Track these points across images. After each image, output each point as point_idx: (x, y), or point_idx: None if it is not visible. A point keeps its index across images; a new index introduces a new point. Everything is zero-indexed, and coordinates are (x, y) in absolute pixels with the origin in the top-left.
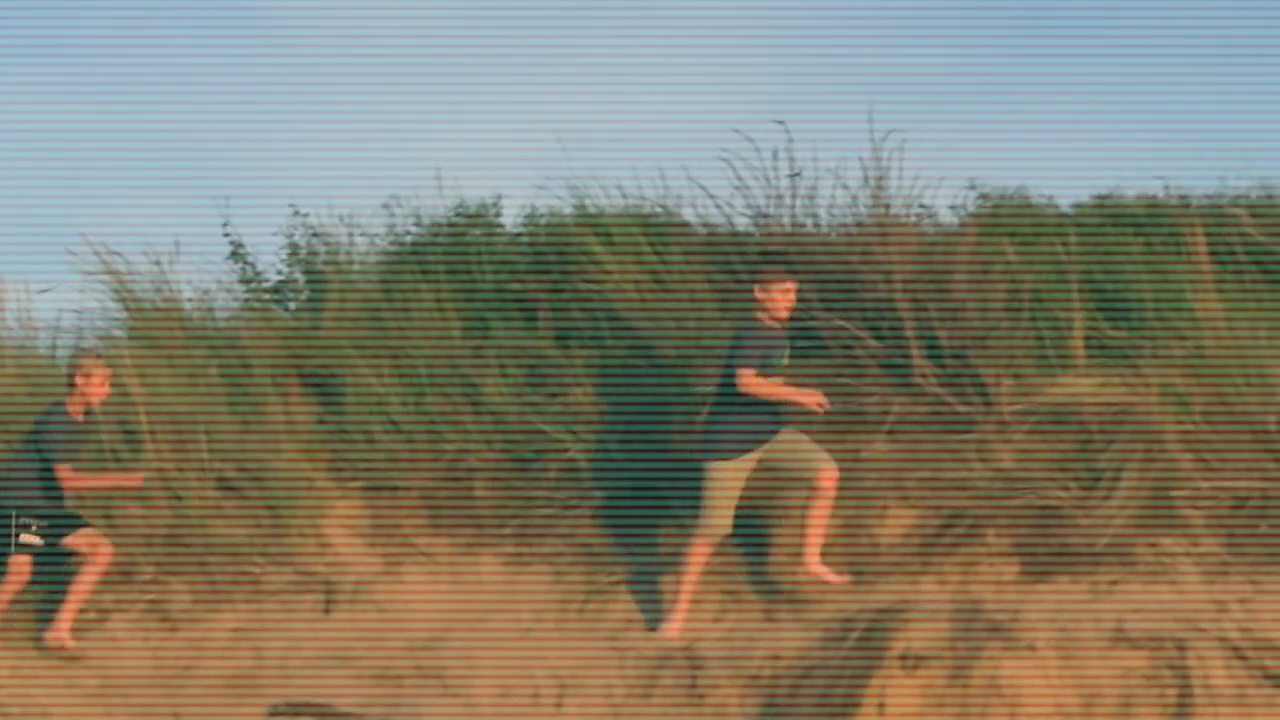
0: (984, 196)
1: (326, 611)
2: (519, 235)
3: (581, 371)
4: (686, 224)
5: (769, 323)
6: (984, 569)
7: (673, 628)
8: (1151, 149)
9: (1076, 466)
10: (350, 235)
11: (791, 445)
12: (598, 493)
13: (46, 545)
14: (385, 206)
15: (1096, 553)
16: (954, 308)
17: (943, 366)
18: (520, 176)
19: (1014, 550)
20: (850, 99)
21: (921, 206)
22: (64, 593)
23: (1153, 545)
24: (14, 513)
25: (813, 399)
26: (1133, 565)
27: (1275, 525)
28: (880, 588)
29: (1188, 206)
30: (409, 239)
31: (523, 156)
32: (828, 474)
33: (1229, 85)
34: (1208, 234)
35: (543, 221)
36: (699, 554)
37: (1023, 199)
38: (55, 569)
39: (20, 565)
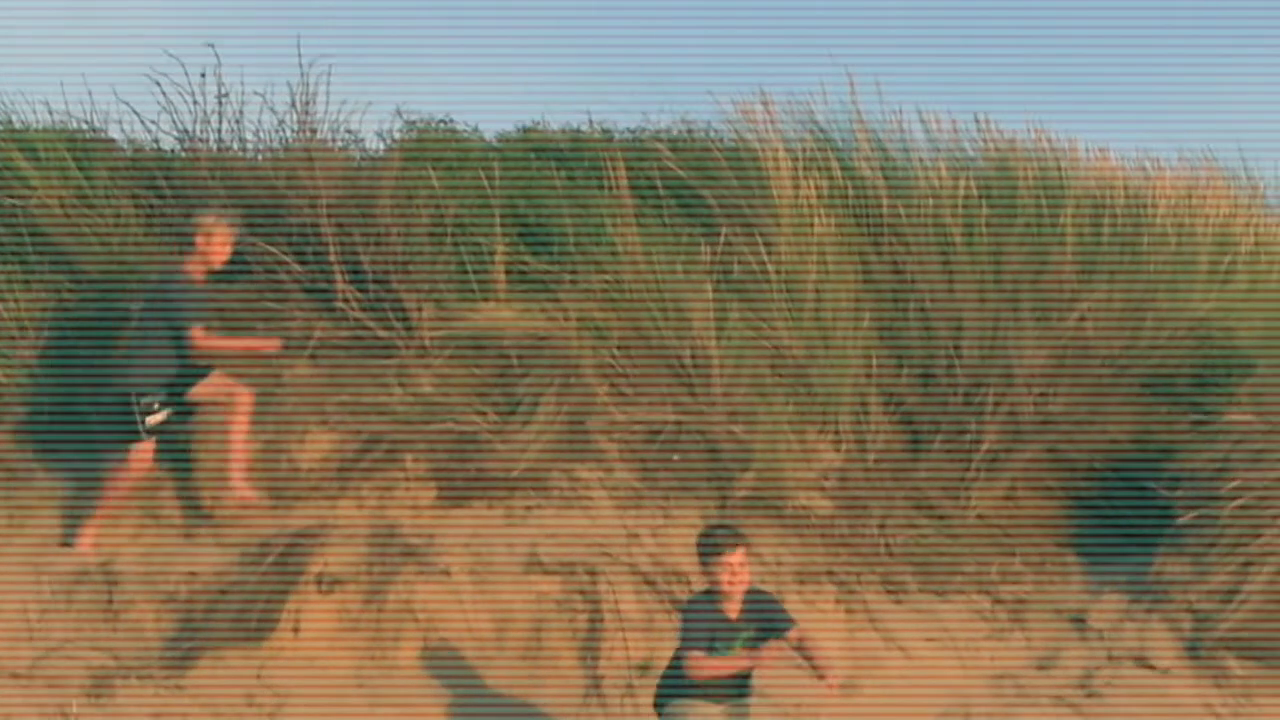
0: (410, 124)
1: None
2: None
3: (4, 287)
4: (113, 142)
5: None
6: (401, 493)
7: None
8: (576, 82)
9: (495, 394)
10: None
11: None
12: (18, 410)
13: (178, 417)
14: None
15: (512, 479)
16: (378, 234)
17: (365, 292)
18: None
19: (431, 475)
20: (279, 23)
21: (348, 132)
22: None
23: (568, 473)
24: (135, 395)
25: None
26: (548, 493)
27: (687, 456)
28: (298, 510)
29: (610, 140)
30: None
31: None
32: None
33: (653, 20)
34: (629, 167)
35: None
36: None
37: (448, 128)
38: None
39: (145, 452)
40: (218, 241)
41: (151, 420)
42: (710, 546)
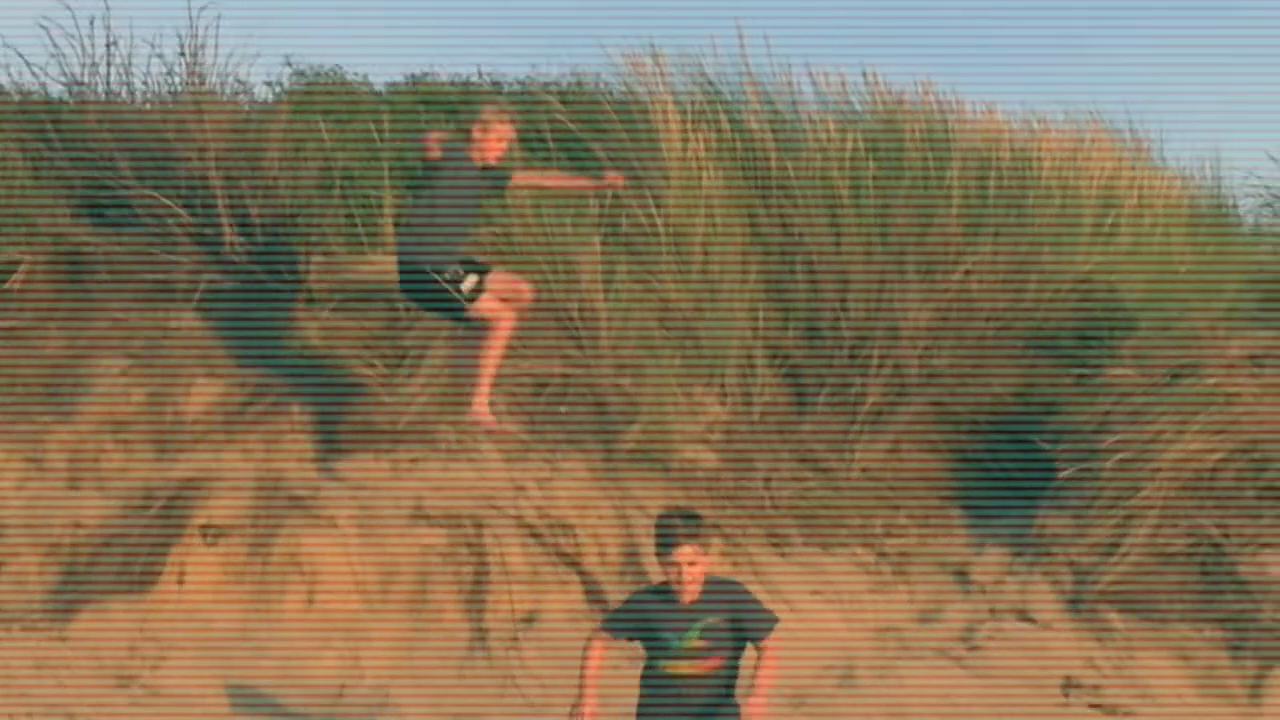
0: (299, 74)
1: None
2: None
3: None
4: (1, 90)
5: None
6: (287, 443)
7: None
8: (466, 32)
9: (382, 345)
10: None
11: None
12: None
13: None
14: None
15: (399, 430)
16: (266, 183)
17: (254, 241)
18: None
19: (318, 425)
20: None
21: (237, 81)
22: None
23: (454, 425)
24: (432, 270)
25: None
26: (434, 444)
27: (574, 409)
28: (184, 459)
29: (500, 91)
30: None
31: None
32: None
33: None
34: (519, 119)
35: None
36: None
37: (337, 77)
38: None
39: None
40: (493, 136)
41: (466, 287)
42: (659, 539)
